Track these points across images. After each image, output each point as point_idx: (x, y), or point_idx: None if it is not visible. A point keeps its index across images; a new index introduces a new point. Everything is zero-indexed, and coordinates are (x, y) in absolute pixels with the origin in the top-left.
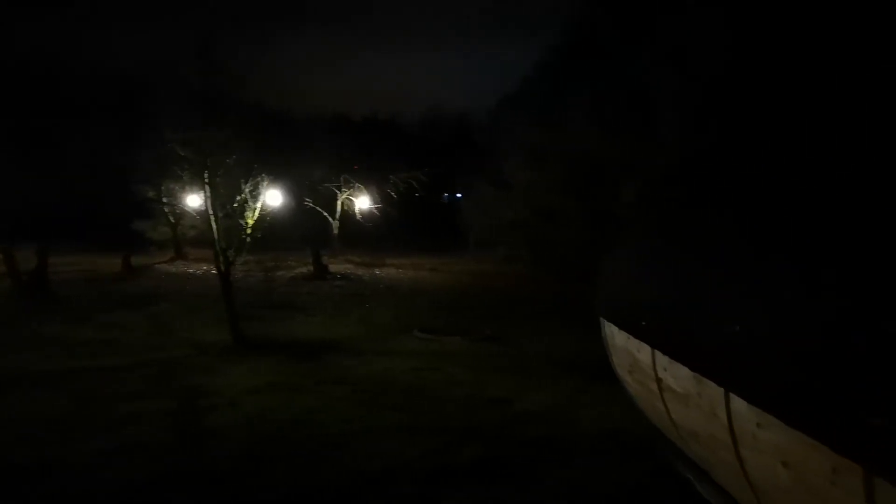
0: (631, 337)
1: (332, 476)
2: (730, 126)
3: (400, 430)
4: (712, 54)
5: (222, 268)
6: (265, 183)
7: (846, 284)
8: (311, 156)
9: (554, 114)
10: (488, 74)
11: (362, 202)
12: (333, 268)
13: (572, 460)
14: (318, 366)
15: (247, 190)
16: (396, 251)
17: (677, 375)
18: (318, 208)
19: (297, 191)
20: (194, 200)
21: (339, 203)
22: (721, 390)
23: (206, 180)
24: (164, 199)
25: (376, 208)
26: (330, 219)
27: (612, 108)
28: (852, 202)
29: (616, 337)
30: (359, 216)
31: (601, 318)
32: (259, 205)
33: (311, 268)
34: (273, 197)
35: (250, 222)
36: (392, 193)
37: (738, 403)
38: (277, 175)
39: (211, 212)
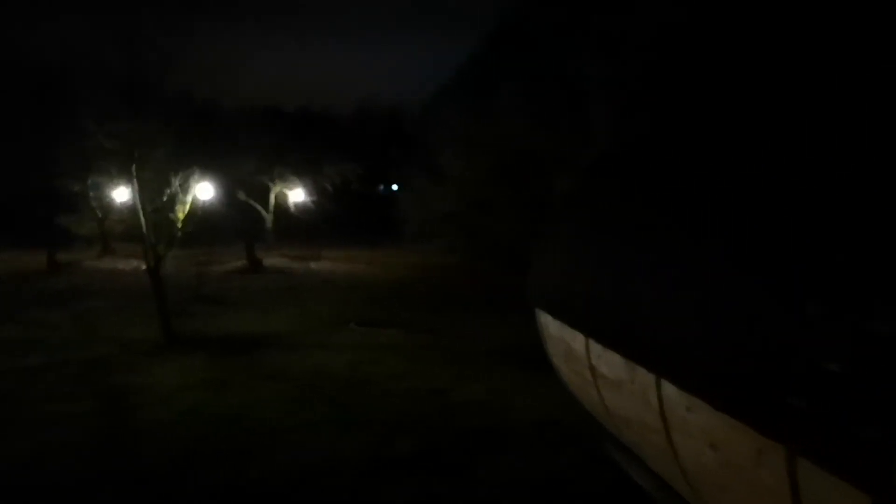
0: (565, 326)
1: (265, 472)
2: (661, 117)
3: (336, 423)
4: (644, 46)
5: (152, 263)
6: (196, 176)
7: (769, 272)
8: (243, 148)
9: (488, 105)
10: (423, 66)
11: (297, 195)
12: (268, 262)
13: (508, 449)
14: (253, 361)
15: (177, 183)
16: (332, 244)
17: (610, 363)
18: (251, 202)
19: (229, 184)
20: (122, 194)
21: (272, 196)
22: (652, 377)
23: (134, 173)
24: (91, 194)
25: (311, 201)
26: (263, 212)
27: (545, 99)
28: (776, 192)
29: (550, 326)
30: (293, 209)
31: (536, 308)
32: (190, 198)
33: (244, 262)
34: (204, 190)
35: (181, 216)
36: (327, 186)
37: (668, 389)
38: (208, 168)
39: (139, 206)
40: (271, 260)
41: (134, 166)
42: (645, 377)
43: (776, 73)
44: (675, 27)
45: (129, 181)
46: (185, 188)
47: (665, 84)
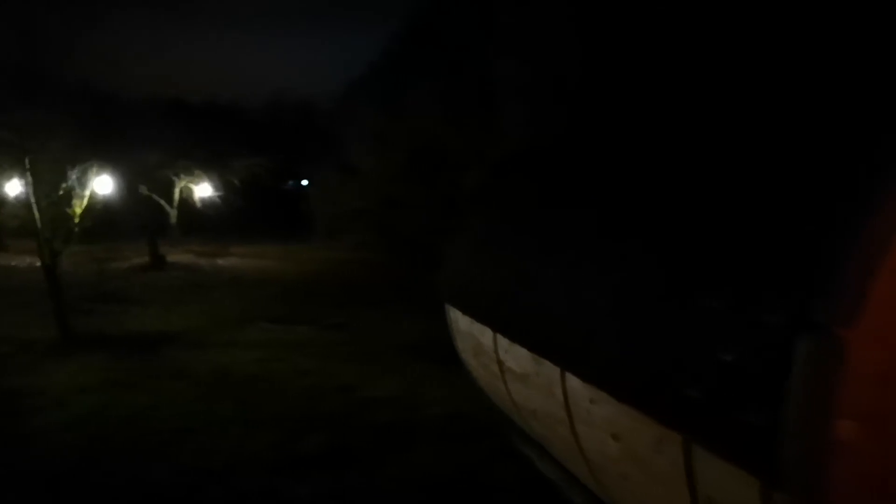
0: (474, 321)
1: (170, 473)
2: (569, 117)
3: (243, 422)
4: (556, 45)
5: (47, 260)
6: (95, 169)
7: (668, 269)
8: (146, 141)
9: (400, 101)
10: (334, 60)
11: (203, 190)
12: (173, 258)
13: (417, 444)
14: (157, 360)
15: (74, 177)
16: (240, 240)
17: (517, 357)
18: (154, 196)
19: (131, 178)
20: (15, 187)
21: (177, 191)
22: (558, 369)
23: (28, 166)
24: None
25: (218, 196)
26: (167, 207)
27: (457, 96)
28: (676, 193)
29: (460, 321)
30: (199, 204)
31: (446, 304)
32: (88, 192)
33: (148, 259)
34: (103, 184)
35: (78, 211)
36: (235, 181)
37: (573, 381)
38: (108, 161)
39: (33, 200)
40: (176, 256)
41: (27, 158)
42: (550, 370)
43: (680, 77)
44: (586, 29)
45: (22, 174)
46: (83, 181)
47: (575, 85)
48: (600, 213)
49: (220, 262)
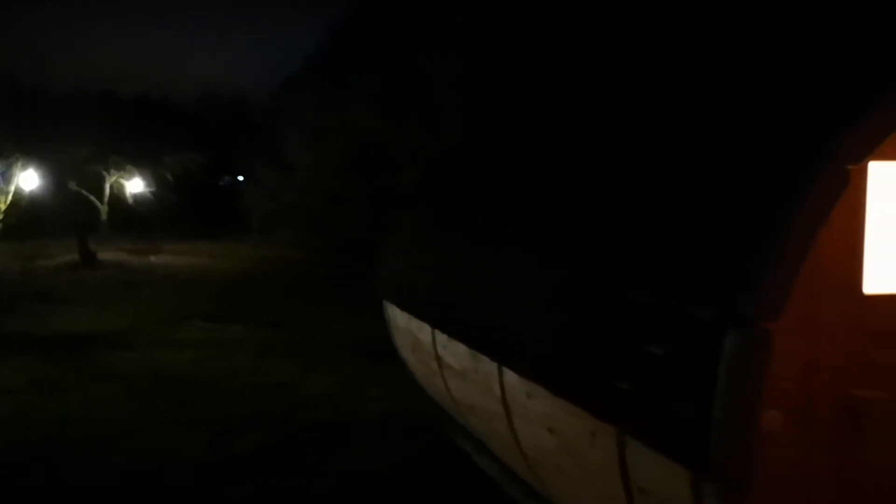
0: (412, 317)
1: (100, 477)
2: (505, 114)
3: (178, 423)
4: (492, 42)
5: None
6: (19, 164)
7: (600, 264)
8: (74, 135)
9: (337, 96)
10: (269, 54)
11: (135, 185)
12: (103, 256)
13: (356, 442)
14: (87, 361)
15: None
16: (174, 237)
17: (456, 353)
18: (84, 192)
19: (59, 173)
20: None
21: (107, 186)
22: (495, 365)
23: None
24: None
25: (150, 192)
26: (97, 203)
27: (395, 91)
28: (606, 189)
29: (398, 318)
30: (131, 201)
31: (384, 301)
32: (12, 188)
33: (77, 256)
34: (29, 179)
35: (2, 207)
36: (167, 176)
37: (510, 376)
38: (34, 155)
39: None
40: (107, 254)
41: None
42: (488, 366)
43: (613, 75)
44: (522, 27)
45: None
46: (7, 177)
47: (511, 82)
48: (534, 210)
49: (153, 259)
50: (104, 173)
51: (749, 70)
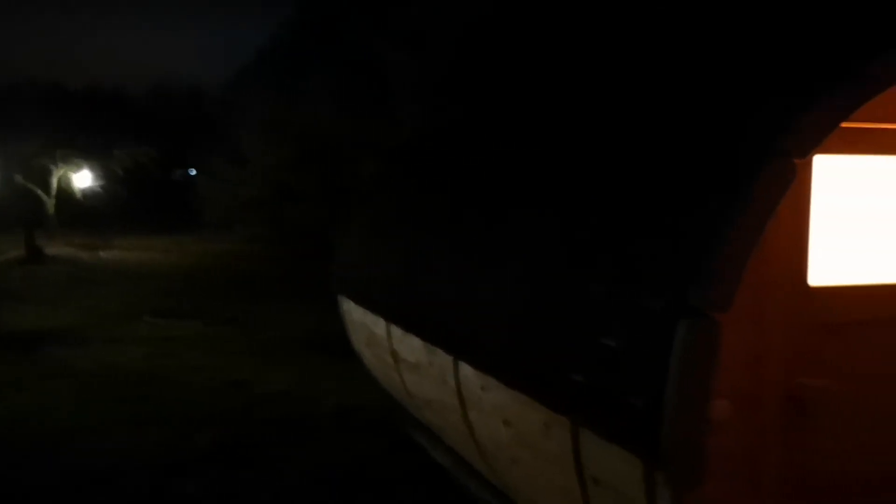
0: (367, 312)
1: (49, 478)
2: (460, 108)
3: (130, 422)
4: (446, 38)
5: None
6: None
7: (553, 256)
8: (20, 127)
9: (292, 89)
10: (223, 46)
11: (84, 179)
12: (52, 251)
13: (313, 438)
14: (36, 359)
15: None
16: (125, 232)
17: (411, 346)
18: (30, 186)
19: (5, 167)
20: None
21: (54, 180)
22: (450, 358)
23: None
24: None
25: (101, 186)
26: (45, 197)
27: (351, 85)
28: (562, 182)
29: (353, 312)
30: (81, 195)
31: (339, 295)
32: None
33: (23, 252)
34: None
35: None
36: (118, 170)
37: (465, 369)
38: None
39: None
40: (56, 249)
41: None
42: (443, 359)
43: (563, 69)
44: (476, 22)
45: None
46: None
47: (465, 76)
48: (488, 203)
49: (104, 255)
50: (52, 167)
51: (698, 67)
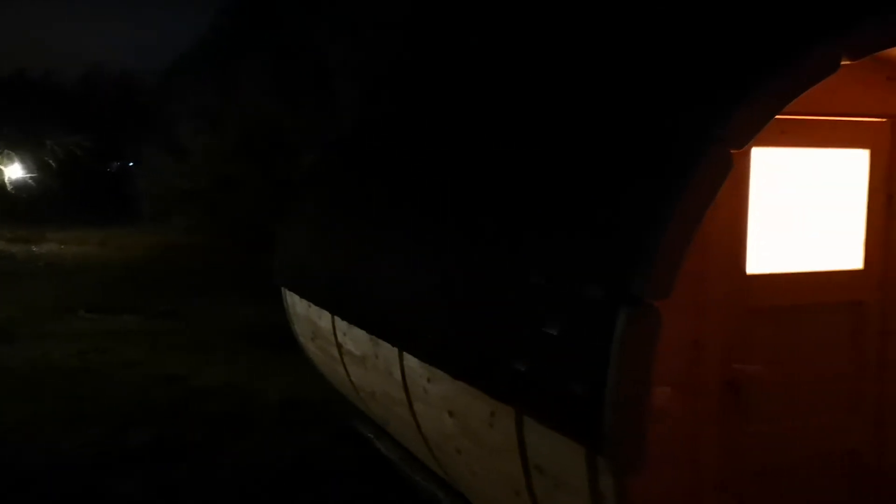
0: (311, 305)
1: None
2: (399, 98)
3: (62, 419)
4: (386, 27)
5: None
6: None
7: (497, 248)
8: None
9: (232, 77)
10: (159, 32)
11: (13, 171)
12: None
13: (253, 432)
14: None
15: None
16: (59, 225)
17: (356, 339)
18: None
19: None
20: None
21: None
22: (396, 350)
23: None
24: None
25: (31, 178)
26: None
27: (291, 74)
28: (502, 173)
29: (297, 305)
30: (9, 187)
31: (282, 288)
32: None
33: None
34: None
35: None
36: (50, 161)
37: (410, 361)
38: None
39: None
40: None
41: None
42: (388, 351)
43: (504, 60)
44: (414, 13)
45: None
46: None
47: (404, 66)
48: (430, 192)
49: (35, 248)
50: None
51: (637, 58)
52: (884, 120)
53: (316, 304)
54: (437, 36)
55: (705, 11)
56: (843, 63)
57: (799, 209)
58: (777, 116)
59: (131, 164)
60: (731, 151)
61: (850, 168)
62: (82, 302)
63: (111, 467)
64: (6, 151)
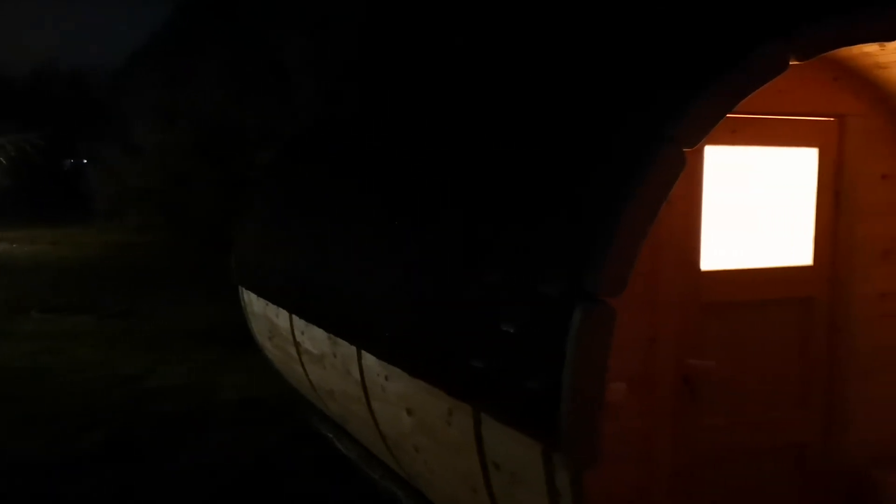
0: (269, 303)
1: None
2: (357, 96)
3: (13, 422)
4: (344, 23)
5: None
6: None
7: (454, 246)
8: None
9: (187, 74)
10: (112, 27)
11: None
12: None
13: (210, 432)
14: None
15: None
16: (9, 224)
17: (314, 338)
18: None
19: None
20: None
21: None
22: (354, 349)
23: None
24: None
25: None
26: None
27: (249, 71)
28: (461, 171)
29: (254, 304)
30: None
31: (239, 286)
32: None
33: None
34: None
35: None
36: (1, 159)
37: (368, 360)
38: None
39: None
40: None
41: None
42: (346, 350)
43: (464, 56)
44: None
45: None
46: None
47: (363, 64)
48: (387, 191)
49: None
50: None
51: (592, 57)
52: (832, 119)
53: (273, 303)
54: (394, 34)
55: (658, 13)
56: (791, 63)
57: (751, 206)
58: (728, 115)
59: (85, 161)
60: (684, 150)
61: (800, 166)
62: (35, 302)
63: (63, 471)
64: None
